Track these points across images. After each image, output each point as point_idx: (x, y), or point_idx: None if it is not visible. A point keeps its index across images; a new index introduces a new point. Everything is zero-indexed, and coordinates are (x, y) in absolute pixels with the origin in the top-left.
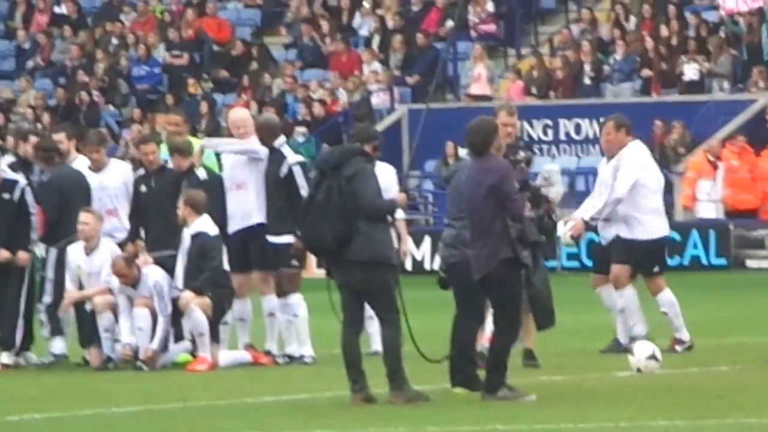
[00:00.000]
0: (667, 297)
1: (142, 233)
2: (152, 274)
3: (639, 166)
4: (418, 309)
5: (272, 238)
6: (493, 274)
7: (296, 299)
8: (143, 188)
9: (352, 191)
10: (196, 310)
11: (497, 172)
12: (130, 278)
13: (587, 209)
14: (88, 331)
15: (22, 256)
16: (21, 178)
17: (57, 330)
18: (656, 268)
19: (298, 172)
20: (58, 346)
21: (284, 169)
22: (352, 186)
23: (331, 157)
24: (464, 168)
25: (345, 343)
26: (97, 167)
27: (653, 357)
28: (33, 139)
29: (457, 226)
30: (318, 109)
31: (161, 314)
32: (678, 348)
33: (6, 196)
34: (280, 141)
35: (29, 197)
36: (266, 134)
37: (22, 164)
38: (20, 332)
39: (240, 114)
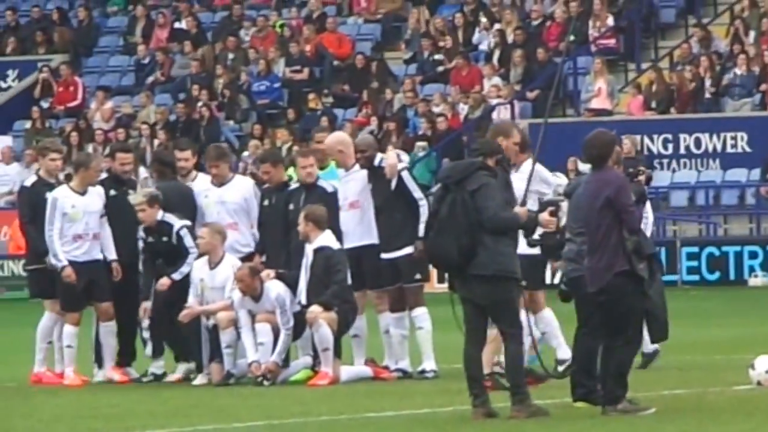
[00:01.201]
0: (546, 316)
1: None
2: (274, 287)
3: None
4: None
5: (389, 255)
6: (608, 286)
7: (421, 312)
8: (266, 202)
9: (476, 205)
10: (324, 325)
11: (613, 185)
12: (252, 288)
13: None
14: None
15: (163, 281)
16: (177, 221)
17: (160, 350)
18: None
19: (407, 177)
20: (159, 365)
21: (394, 182)
22: (476, 200)
23: (455, 172)
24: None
25: (467, 357)
26: (218, 182)
27: None
28: (120, 155)
29: (578, 241)
30: (439, 124)
31: (283, 328)
32: (560, 368)
33: (164, 239)
34: (380, 158)
35: (187, 239)
36: (365, 153)
37: (112, 180)
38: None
39: (336, 137)
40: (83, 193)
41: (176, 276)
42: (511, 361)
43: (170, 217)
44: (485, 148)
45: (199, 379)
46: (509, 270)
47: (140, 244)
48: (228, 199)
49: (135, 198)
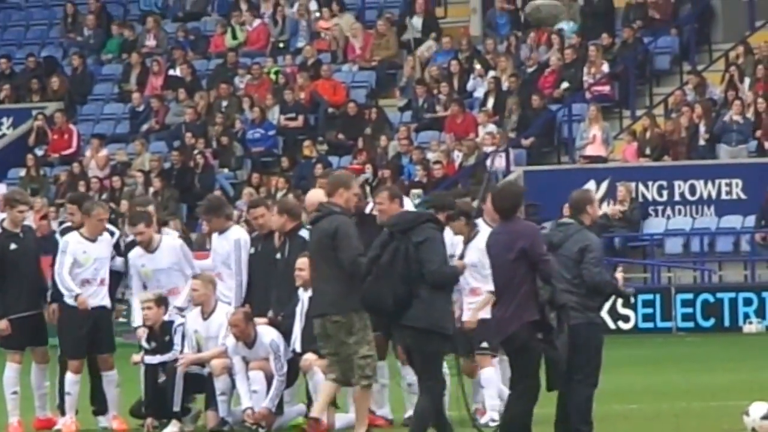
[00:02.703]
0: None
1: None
2: (268, 333)
3: None
4: None
5: None
6: (516, 335)
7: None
8: (252, 250)
9: (419, 257)
10: (318, 372)
11: (528, 236)
12: (246, 334)
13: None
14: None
15: (136, 358)
16: (178, 319)
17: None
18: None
19: None
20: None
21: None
22: (420, 252)
23: (402, 221)
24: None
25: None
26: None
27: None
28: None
29: (575, 291)
30: (434, 171)
31: (277, 374)
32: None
33: (167, 338)
34: (371, 206)
35: (177, 336)
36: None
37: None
38: None
39: (317, 194)
40: (94, 240)
41: (150, 359)
42: (420, 411)
43: (173, 316)
44: (438, 202)
45: (170, 428)
46: (441, 325)
47: (141, 353)
48: (219, 250)
49: (143, 295)
